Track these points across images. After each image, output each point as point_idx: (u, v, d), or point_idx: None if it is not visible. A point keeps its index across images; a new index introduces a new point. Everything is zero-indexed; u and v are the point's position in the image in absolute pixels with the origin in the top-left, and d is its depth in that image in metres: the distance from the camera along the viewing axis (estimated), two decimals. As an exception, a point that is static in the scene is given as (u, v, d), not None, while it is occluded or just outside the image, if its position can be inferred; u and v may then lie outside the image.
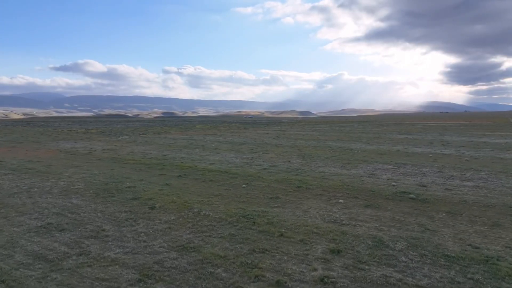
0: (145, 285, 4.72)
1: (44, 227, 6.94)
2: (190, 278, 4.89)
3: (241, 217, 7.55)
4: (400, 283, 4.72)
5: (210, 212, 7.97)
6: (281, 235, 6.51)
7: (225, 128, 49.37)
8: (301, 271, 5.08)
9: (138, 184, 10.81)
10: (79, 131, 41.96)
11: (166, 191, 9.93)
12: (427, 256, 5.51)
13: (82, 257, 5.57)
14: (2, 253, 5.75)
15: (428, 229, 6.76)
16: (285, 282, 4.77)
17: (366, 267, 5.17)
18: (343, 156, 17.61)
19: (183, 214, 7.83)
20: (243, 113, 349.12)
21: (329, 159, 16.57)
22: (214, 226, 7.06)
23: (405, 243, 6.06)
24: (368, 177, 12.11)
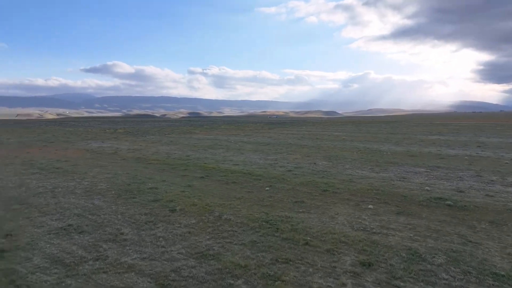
0: (160, 296, 4.44)
1: (64, 229, 6.84)
2: (208, 290, 4.57)
3: (263, 223, 7.18)
4: (441, 304, 4.20)
5: (232, 216, 7.64)
6: (306, 243, 6.08)
7: (249, 128, 49.17)
8: (328, 286, 4.64)
9: (160, 185, 10.67)
10: (107, 131, 42.98)
11: (187, 193, 9.71)
12: (472, 273, 4.91)
13: (99, 262, 5.38)
14: (21, 256, 5.65)
15: (470, 241, 6.12)
16: (311, 298, 4.36)
17: (402, 283, 4.66)
18: (371, 158, 16.87)
19: (203, 218, 7.55)
20: (268, 113, 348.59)
21: (357, 161, 15.89)
22: (236, 231, 6.72)
23: (444, 256, 5.47)
24: (399, 181, 11.42)
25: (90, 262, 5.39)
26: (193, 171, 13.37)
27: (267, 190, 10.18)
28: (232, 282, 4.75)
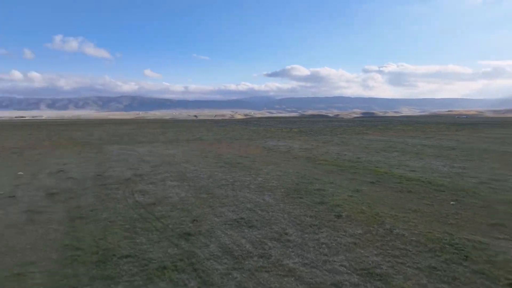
0: (318, 312, 4.11)
1: (237, 221, 7.42)
2: (372, 318, 3.94)
3: (446, 245, 5.90)
4: None
5: (405, 231, 6.61)
6: (511, 285, 4.58)
7: (431, 130, 43.47)
8: None
9: (327, 187, 10.41)
10: (283, 130, 46.14)
11: (355, 198, 9.08)
12: None
13: (262, 260, 5.50)
14: (202, 241, 6.37)
15: None
16: None
17: None
18: None
19: (371, 229, 6.81)
20: (455, 113, 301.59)
21: None
22: (409, 251, 5.74)
23: None
24: None
25: (255, 258, 5.57)
26: (363, 174, 12.54)
27: (452, 204, 8.47)
28: (402, 315, 3.97)
